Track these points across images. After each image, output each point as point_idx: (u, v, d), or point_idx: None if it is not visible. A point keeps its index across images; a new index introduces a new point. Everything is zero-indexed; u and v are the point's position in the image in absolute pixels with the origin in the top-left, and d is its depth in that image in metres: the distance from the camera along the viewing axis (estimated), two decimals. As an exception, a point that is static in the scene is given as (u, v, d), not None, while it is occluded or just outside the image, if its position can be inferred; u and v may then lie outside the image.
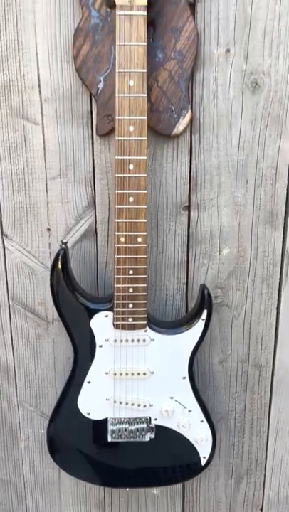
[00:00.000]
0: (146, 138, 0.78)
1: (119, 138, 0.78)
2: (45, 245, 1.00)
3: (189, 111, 0.88)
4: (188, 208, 0.97)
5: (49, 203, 0.98)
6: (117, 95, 0.76)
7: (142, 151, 0.78)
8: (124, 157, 0.79)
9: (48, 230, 0.99)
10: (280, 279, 1.00)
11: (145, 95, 0.76)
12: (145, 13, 0.73)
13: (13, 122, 0.92)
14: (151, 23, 0.80)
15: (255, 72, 0.88)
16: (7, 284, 1.02)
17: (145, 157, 0.79)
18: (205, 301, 0.91)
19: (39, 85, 0.90)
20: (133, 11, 0.72)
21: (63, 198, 0.98)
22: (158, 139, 0.91)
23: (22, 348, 1.06)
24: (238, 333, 1.04)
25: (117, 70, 0.75)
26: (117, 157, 0.79)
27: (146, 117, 0.77)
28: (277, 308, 1.03)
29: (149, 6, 0.73)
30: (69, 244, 1.00)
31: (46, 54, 0.89)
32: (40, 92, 0.91)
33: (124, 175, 0.80)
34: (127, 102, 0.76)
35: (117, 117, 0.77)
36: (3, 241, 0.99)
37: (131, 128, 0.77)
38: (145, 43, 0.74)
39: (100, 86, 0.88)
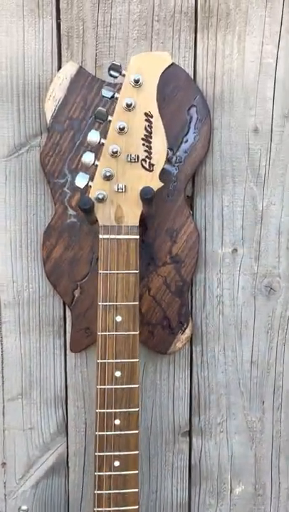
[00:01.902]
0: (138, 385, 0.58)
1: (102, 387, 0.57)
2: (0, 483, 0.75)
3: (190, 324, 0.69)
4: (189, 434, 0.75)
5: (6, 429, 0.74)
6: (99, 333, 0.57)
7: (133, 401, 0.58)
8: (109, 410, 0.58)
9: (3, 464, 0.75)
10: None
11: (137, 333, 0.57)
12: (137, 236, 0.56)
13: None
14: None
15: (270, 274, 0.72)
16: None
17: (137, 409, 0.58)
18: None
19: (-2, 287, 0.72)
20: (122, 234, 0.56)
21: (25, 424, 0.75)
22: (150, 351, 0.72)
23: None
24: None
25: (99, 303, 0.56)
26: (98, 410, 0.58)
27: (137, 359, 0.57)
28: None
29: (141, 224, 0.57)
30: (32, 482, 0.76)
31: (9, 249, 0.71)
32: (-1, 294, 0.72)
33: (108, 432, 0.58)
34: (113, 341, 0.57)
35: (98, 360, 0.57)
36: None
37: (117, 373, 0.57)
38: (137, 271, 0.57)
39: (76, 293, 0.69)
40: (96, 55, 0.68)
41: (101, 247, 0.56)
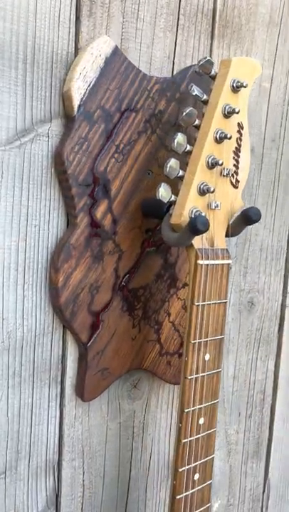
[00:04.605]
0: (216, 428, 0.51)
1: (187, 440, 0.47)
2: None
3: (202, 348, 0.65)
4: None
5: (-21, 527, 0.52)
6: (188, 377, 0.46)
7: (210, 447, 0.50)
8: (190, 466, 0.48)
9: None
10: None
11: (220, 370, 0.50)
12: (231, 261, 0.49)
13: None
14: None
15: (252, 290, 0.74)
16: None
17: (214, 455, 0.51)
18: None
19: (-20, 328, 0.50)
20: (218, 259, 0.47)
21: (8, 508, 0.54)
22: (154, 383, 0.63)
23: None
24: None
25: (191, 341, 0.46)
26: (180, 469, 0.48)
27: (218, 399, 0.50)
28: None
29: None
30: None
31: (0, 278, 0.50)
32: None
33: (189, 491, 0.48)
34: (200, 383, 0.48)
35: (186, 410, 0.47)
36: None
37: (201, 420, 0.49)
38: (226, 300, 0.49)
39: (95, 334, 0.55)
40: (122, 35, 0.55)
41: (198, 274, 0.46)
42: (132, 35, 0.56)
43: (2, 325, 0.51)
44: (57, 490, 0.59)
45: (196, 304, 0.47)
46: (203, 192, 0.47)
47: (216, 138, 0.47)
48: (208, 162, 0.47)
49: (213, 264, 0.48)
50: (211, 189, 0.47)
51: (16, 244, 0.51)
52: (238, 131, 0.50)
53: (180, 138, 0.47)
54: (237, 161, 0.50)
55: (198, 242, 0.48)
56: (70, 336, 0.56)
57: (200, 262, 0.47)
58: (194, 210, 0.47)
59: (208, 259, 0.47)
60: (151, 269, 0.60)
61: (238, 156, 0.50)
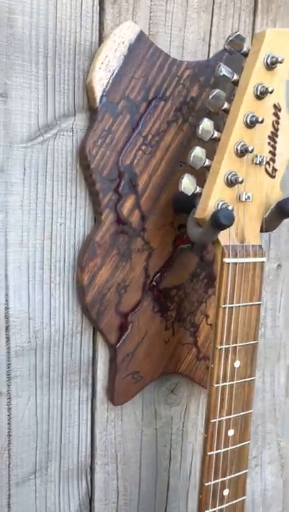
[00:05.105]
0: (249, 441, 0.47)
1: (213, 452, 0.44)
2: None
3: (246, 353, 0.60)
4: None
5: (10, 526, 0.53)
6: (214, 385, 0.43)
7: (243, 461, 0.46)
8: (218, 480, 0.45)
9: None
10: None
11: (254, 378, 0.46)
12: (265, 258, 0.44)
13: None
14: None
15: (307, 290, 0.68)
16: None
17: (247, 471, 0.47)
18: None
19: (7, 327, 0.50)
20: (249, 256, 0.43)
21: (39, 511, 0.54)
22: (193, 388, 0.60)
23: None
24: None
25: (218, 346, 0.43)
26: (207, 483, 0.44)
27: (251, 410, 0.46)
28: None
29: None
30: None
31: (25, 273, 0.50)
32: (8, 338, 0.50)
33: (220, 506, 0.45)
34: (228, 392, 0.44)
35: (212, 420, 0.43)
36: None
37: (231, 432, 0.45)
38: (261, 302, 0.45)
39: (124, 336, 0.53)
40: (150, 19, 0.52)
41: (224, 273, 0.42)
42: (161, 18, 0.53)
43: (28, 324, 0.51)
44: (90, 494, 0.57)
45: (223, 306, 0.43)
46: (231, 183, 0.43)
47: (247, 122, 0.43)
48: (236, 149, 0.43)
49: (243, 263, 0.43)
50: (240, 179, 0.42)
51: (41, 243, 0.50)
52: (275, 114, 0.44)
53: (206, 124, 0.42)
54: (274, 147, 0.45)
55: (225, 238, 0.43)
56: (100, 337, 0.55)
57: (226, 260, 0.42)
58: (221, 203, 0.42)
59: (236, 256, 0.43)
60: (186, 268, 0.56)
61: (275, 142, 0.45)
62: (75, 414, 0.55)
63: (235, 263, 0.43)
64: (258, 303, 0.45)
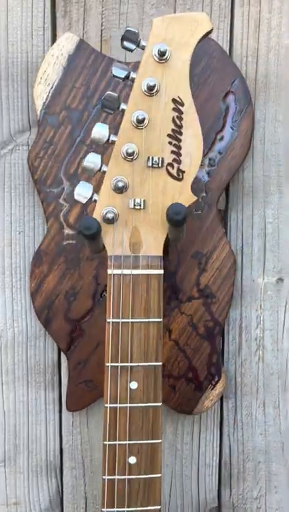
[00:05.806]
0: (160, 475, 0.43)
1: (111, 477, 0.41)
2: None
3: (222, 377, 0.54)
4: (217, 510, 0.60)
5: (-15, 505, 0.59)
6: (106, 405, 0.41)
7: (153, 496, 0.42)
8: (119, 509, 0.42)
9: None
10: None
11: (160, 404, 0.42)
12: (162, 271, 0.40)
13: None
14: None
15: None
16: None
17: (159, 507, 0.43)
18: None
19: (-26, 325, 0.56)
20: (140, 268, 0.40)
21: (9, 498, 0.59)
22: (169, 409, 0.57)
23: None
24: None
25: (107, 363, 0.41)
26: (105, 510, 0.42)
27: (160, 440, 0.42)
28: None
29: (165, 255, 0.41)
30: None
31: (-12, 277, 0.56)
32: (-25, 334, 0.56)
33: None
34: (125, 415, 0.41)
35: (106, 442, 0.41)
36: None
37: (132, 459, 0.41)
38: (161, 319, 0.41)
39: (75, 337, 0.54)
40: (102, 25, 0.52)
41: (110, 285, 0.40)
42: (114, 22, 0.52)
43: (-7, 324, 0.56)
44: (61, 493, 0.59)
45: (108, 320, 0.40)
46: (118, 189, 0.39)
47: (134, 121, 0.39)
48: (123, 152, 0.39)
49: (130, 275, 0.39)
50: (122, 184, 0.39)
51: (2, 249, 0.55)
52: (175, 109, 0.39)
53: (98, 128, 0.40)
54: (177, 147, 0.39)
55: (115, 247, 0.40)
56: (65, 342, 0.56)
57: (110, 271, 0.39)
58: (106, 211, 0.40)
59: (120, 267, 0.39)
60: (145, 278, 0.53)
61: (179, 140, 0.39)
62: (41, 413, 0.57)
63: (120, 275, 0.39)
64: (157, 320, 0.40)
